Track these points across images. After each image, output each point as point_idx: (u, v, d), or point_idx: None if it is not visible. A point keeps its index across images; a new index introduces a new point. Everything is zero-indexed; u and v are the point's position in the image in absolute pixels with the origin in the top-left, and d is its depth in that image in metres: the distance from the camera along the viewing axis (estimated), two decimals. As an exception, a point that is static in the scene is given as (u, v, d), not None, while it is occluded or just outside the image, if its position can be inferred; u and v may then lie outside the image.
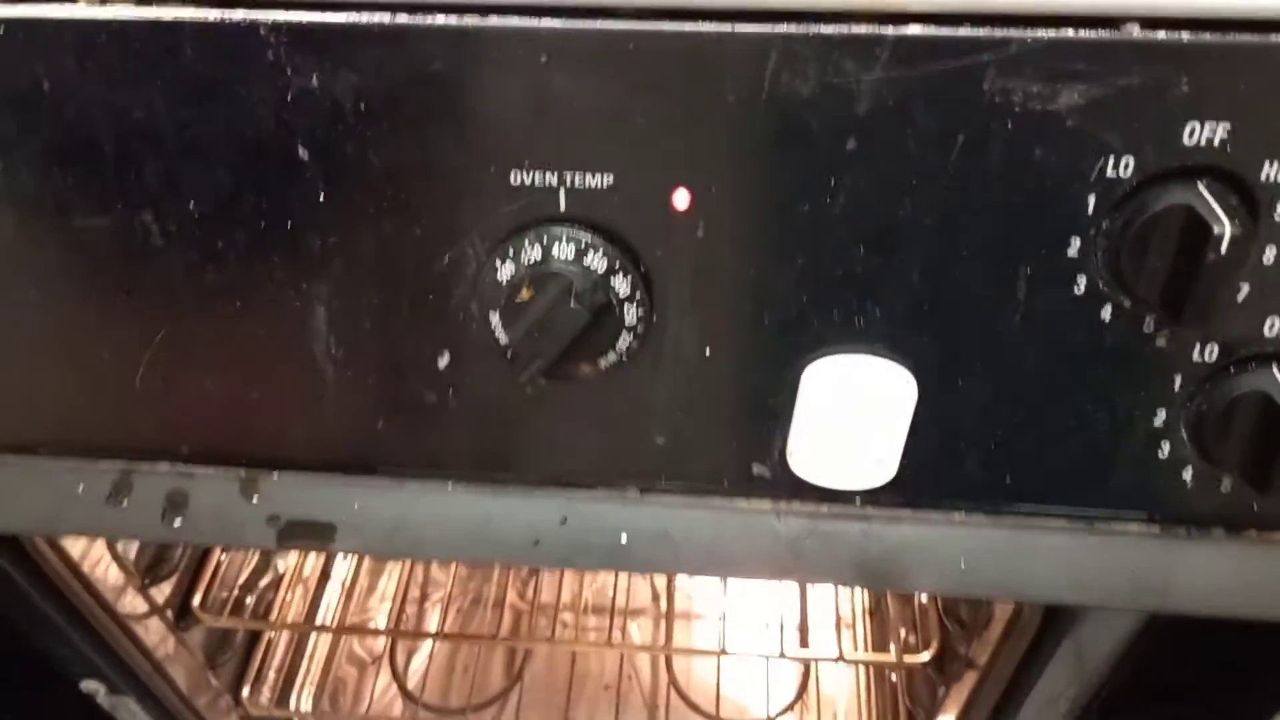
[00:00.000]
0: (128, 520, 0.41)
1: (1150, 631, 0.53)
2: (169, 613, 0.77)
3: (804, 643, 0.91)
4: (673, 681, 0.94)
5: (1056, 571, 0.39)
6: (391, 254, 0.35)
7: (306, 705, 0.92)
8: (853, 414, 0.36)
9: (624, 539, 0.40)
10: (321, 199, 0.35)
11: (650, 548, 0.40)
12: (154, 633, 0.76)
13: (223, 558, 0.83)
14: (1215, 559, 0.38)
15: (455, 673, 0.98)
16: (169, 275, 0.37)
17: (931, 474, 0.38)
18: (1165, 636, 0.54)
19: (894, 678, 0.87)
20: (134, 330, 0.38)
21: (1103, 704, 0.60)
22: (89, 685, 0.76)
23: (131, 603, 0.74)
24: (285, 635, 0.95)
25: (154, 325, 0.38)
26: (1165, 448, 0.36)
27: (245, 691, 0.87)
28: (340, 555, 1.04)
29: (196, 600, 0.78)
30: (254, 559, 0.89)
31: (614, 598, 1.01)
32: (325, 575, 1.02)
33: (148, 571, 0.74)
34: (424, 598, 1.02)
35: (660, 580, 1.02)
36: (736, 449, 0.38)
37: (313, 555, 0.98)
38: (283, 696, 0.91)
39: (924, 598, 0.76)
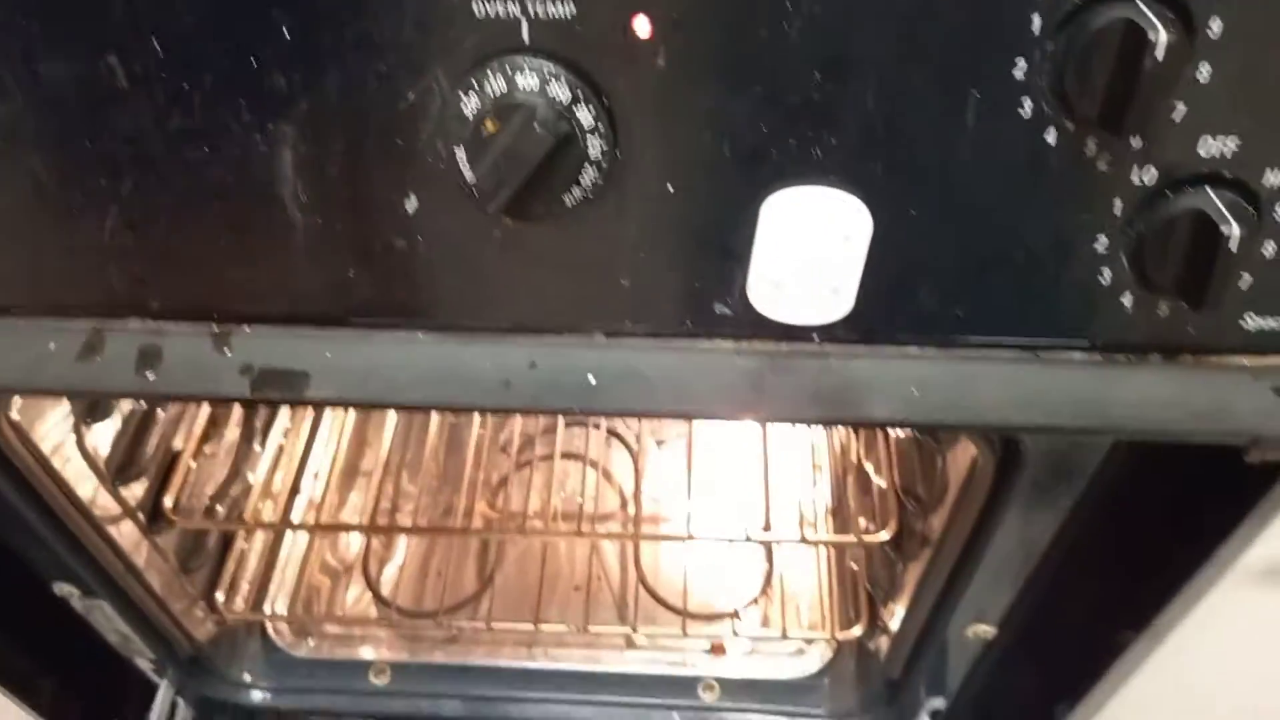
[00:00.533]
0: (100, 376, 0.41)
1: (1096, 487, 0.56)
2: (140, 515, 0.78)
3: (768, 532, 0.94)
4: (641, 579, 0.97)
5: (1003, 397, 0.41)
6: (356, 92, 0.36)
7: (281, 610, 0.93)
8: (810, 246, 0.37)
9: (592, 380, 0.41)
10: (287, 36, 0.35)
11: (617, 388, 0.41)
12: (127, 537, 0.77)
13: (192, 463, 0.83)
14: (1153, 383, 0.40)
15: (428, 579, 1.00)
16: (135, 122, 0.37)
17: (885, 308, 0.39)
18: (1111, 493, 0.57)
19: (854, 565, 0.90)
20: (101, 182, 0.38)
21: (1054, 563, 0.64)
22: (62, 589, 0.76)
23: (103, 505, 0.74)
24: (259, 544, 0.96)
25: (121, 176, 0.38)
26: (1106, 274, 0.38)
27: (220, 597, 0.88)
28: (310, 474, 1.05)
29: (168, 502, 0.78)
30: (225, 465, 0.90)
31: (582, 505, 1.03)
32: (296, 489, 1.03)
33: (118, 473, 0.74)
34: (395, 510, 1.04)
35: (628, 483, 1.05)
36: (699, 288, 0.39)
37: (281, 470, 0.98)
38: (257, 602, 0.93)
39: (882, 482, 0.79)
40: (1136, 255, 0.37)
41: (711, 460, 1.01)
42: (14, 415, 0.60)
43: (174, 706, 0.91)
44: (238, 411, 0.91)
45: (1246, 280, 0.37)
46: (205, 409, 0.83)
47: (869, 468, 0.84)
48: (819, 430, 1.04)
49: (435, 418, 1.05)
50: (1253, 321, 0.38)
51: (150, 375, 0.41)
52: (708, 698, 0.90)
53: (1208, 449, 0.46)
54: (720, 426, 1.08)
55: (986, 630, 0.71)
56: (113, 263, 0.40)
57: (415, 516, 1.01)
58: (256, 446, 0.96)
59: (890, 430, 0.74)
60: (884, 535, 0.76)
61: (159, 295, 0.41)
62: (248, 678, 0.93)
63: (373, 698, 0.92)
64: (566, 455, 1.08)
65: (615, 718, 0.90)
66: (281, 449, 0.99)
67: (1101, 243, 0.37)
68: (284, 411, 0.99)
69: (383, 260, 0.39)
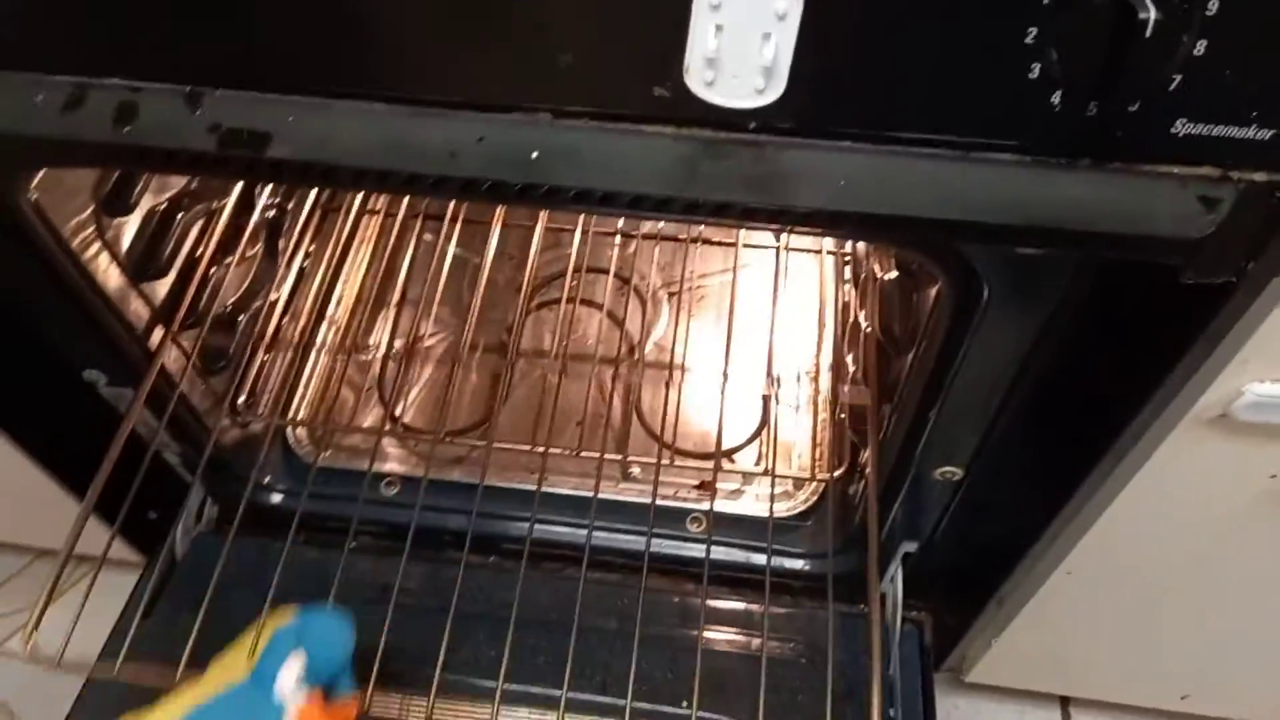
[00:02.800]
0: (82, 127, 0.44)
1: (1052, 321, 0.57)
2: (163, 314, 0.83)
3: (769, 382, 0.97)
4: (639, 415, 1.01)
5: (929, 194, 0.41)
6: None
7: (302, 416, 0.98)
8: (745, 22, 0.38)
9: (534, 155, 0.43)
10: None
11: (558, 164, 0.43)
12: (151, 333, 0.82)
13: (213, 271, 0.88)
14: (1079, 184, 0.40)
15: (441, 408, 1.04)
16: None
17: (817, 97, 0.40)
18: (1067, 327, 0.57)
19: (841, 414, 0.92)
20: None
21: (1016, 401, 0.65)
22: (90, 374, 0.82)
23: (126, 299, 0.79)
24: (281, 357, 1.01)
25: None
26: (1035, 69, 0.38)
27: (241, 400, 0.94)
28: (334, 300, 1.10)
29: (187, 303, 0.83)
30: (247, 278, 0.95)
31: (592, 346, 1.07)
32: (320, 314, 1.08)
33: (138, 268, 0.79)
34: (414, 338, 1.08)
35: (638, 332, 1.07)
36: (638, 68, 0.41)
37: (304, 291, 1.03)
38: (278, 411, 0.98)
39: (867, 326, 0.80)
40: (1067, 47, 0.37)
41: (722, 314, 1.03)
42: (33, 197, 0.65)
43: (203, 504, 0.98)
44: (258, 228, 0.95)
45: (1177, 81, 0.37)
46: (223, 220, 0.87)
47: (860, 317, 0.85)
48: (828, 291, 1.05)
49: (451, 254, 1.08)
50: (1182, 127, 0.38)
51: (127, 129, 0.44)
52: (694, 529, 0.94)
53: (1154, 276, 0.47)
54: (736, 285, 1.09)
55: (953, 471, 0.73)
56: (93, 21, 0.43)
57: (430, 345, 1.05)
58: (280, 267, 1.00)
59: (875, 273, 0.75)
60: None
61: (136, 55, 0.44)
62: (268, 480, 0.99)
63: (383, 507, 0.97)
64: (582, 301, 1.11)
65: (606, 542, 0.95)
66: (304, 272, 1.03)
67: (1031, 35, 0.37)
68: (307, 236, 1.04)
69: (339, 25, 0.41)
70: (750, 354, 1.04)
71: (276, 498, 0.99)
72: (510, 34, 0.40)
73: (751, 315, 1.06)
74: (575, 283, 1.06)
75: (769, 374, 0.93)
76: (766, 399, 1.00)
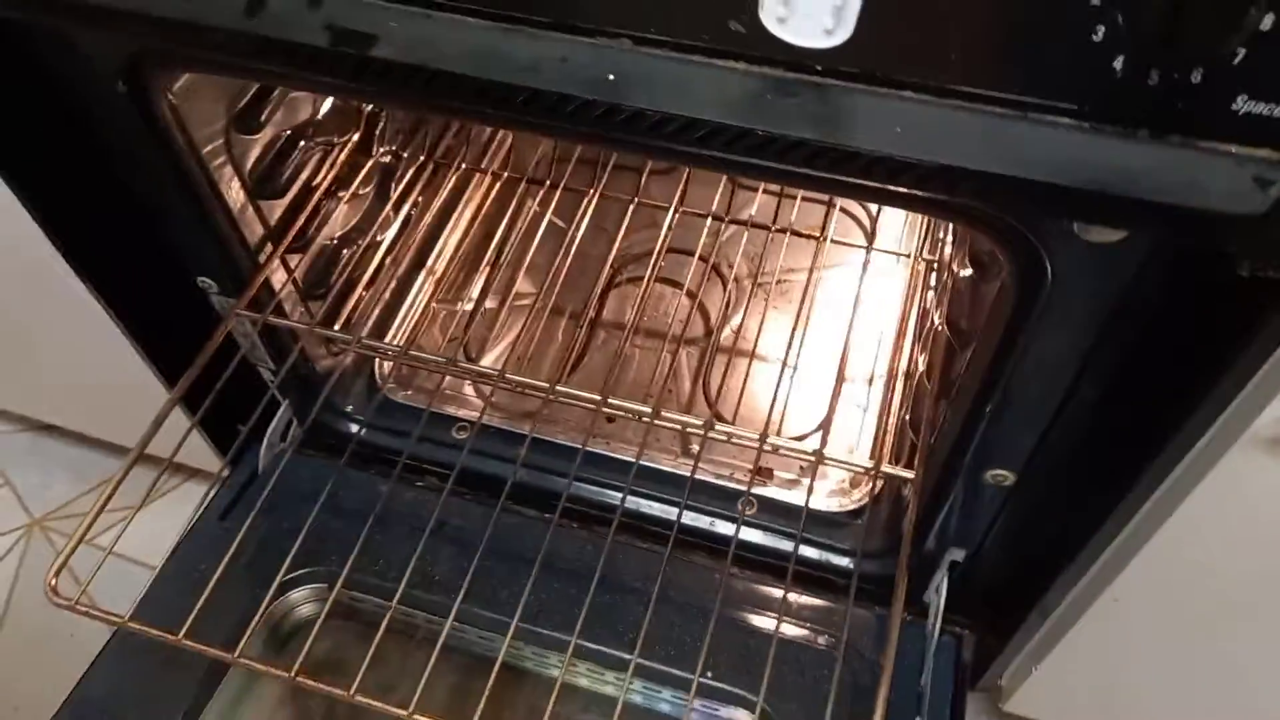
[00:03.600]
0: (215, 11, 0.49)
1: (1111, 323, 0.57)
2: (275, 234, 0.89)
3: (839, 382, 0.97)
4: (705, 394, 1.02)
5: (981, 146, 0.42)
6: None
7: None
8: (816, -35, 0.40)
9: (611, 78, 0.46)
10: None
11: (633, 86, 0.45)
12: (262, 249, 0.88)
13: (325, 202, 0.94)
14: (1134, 154, 0.41)
15: (521, 362, 1.08)
16: None
17: (881, 45, 0.42)
18: (1127, 330, 0.57)
19: (906, 416, 0.92)
20: None
21: (1072, 408, 0.64)
22: (204, 281, 0.89)
23: (247, 216, 0.85)
24: (380, 296, 1.06)
25: None
26: (1100, 31, 0.39)
27: (336, 328, 1.00)
28: (434, 251, 1.15)
29: (298, 227, 0.89)
30: (358, 212, 1.00)
31: (670, 325, 1.09)
32: (419, 262, 1.14)
33: (258, 185, 0.85)
34: (505, 296, 1.13)
35: (714, 312, 1.09)
36: (716, 2, 0.43)
37: (414, 237, 1.09)
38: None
39: (938, 320, 0.80)
40: (1129, 11, 0.38)
41: (803, 308, 1.04)
42: (174, 99, 0.71)
43: (290, 424, 1.04)
44: (373, 170, 1.01)
45: (1241, 55, 0.38)
46: (342, 157, 0.93)
47: (935, 315, 0.85)
48: (914, 296, 1.05)
49: (546, 222, 1.12)
50: (1243, 104, 0.39)
51: (254, 20, 0.49)
52: (746, 512, 0.96)
53: (1214, 274, 0.47)
54: (820, 280, 1.10)
55: (1005, 475, 0.73)
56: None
57: (519, 304, 1.10)
58: (389, 210, 1.06)
59: (954, 271, 0.75)
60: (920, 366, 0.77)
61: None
62: (351, 409, 1.04)
63: (452, 449, 1.02)
64: (664, 280, 1.14)
65: (657, 512, 0.97)
66: (410, 219, 1.09)
67: (1098, -4, 0.38)
68: (417, 186, 1.09)
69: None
70: (826, 350, 1.05)
71: (356, 427, 1.04)
72: (600, -41, 0.43)
73: (833, 312, 1.07)
74: (663, 260, 1.08)
75: (839, 371, 0.94)
76: (833, 395, 1.01)
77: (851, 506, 0.95)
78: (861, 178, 0.46)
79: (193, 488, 1.29)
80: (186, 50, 0.58)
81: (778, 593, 0.91)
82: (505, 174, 1.17)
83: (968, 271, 0.72)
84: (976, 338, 0.68)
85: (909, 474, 0.77)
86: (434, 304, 1.12)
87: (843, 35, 0.42)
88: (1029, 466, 0.71)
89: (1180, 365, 0.56)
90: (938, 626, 0.89)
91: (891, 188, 0.47)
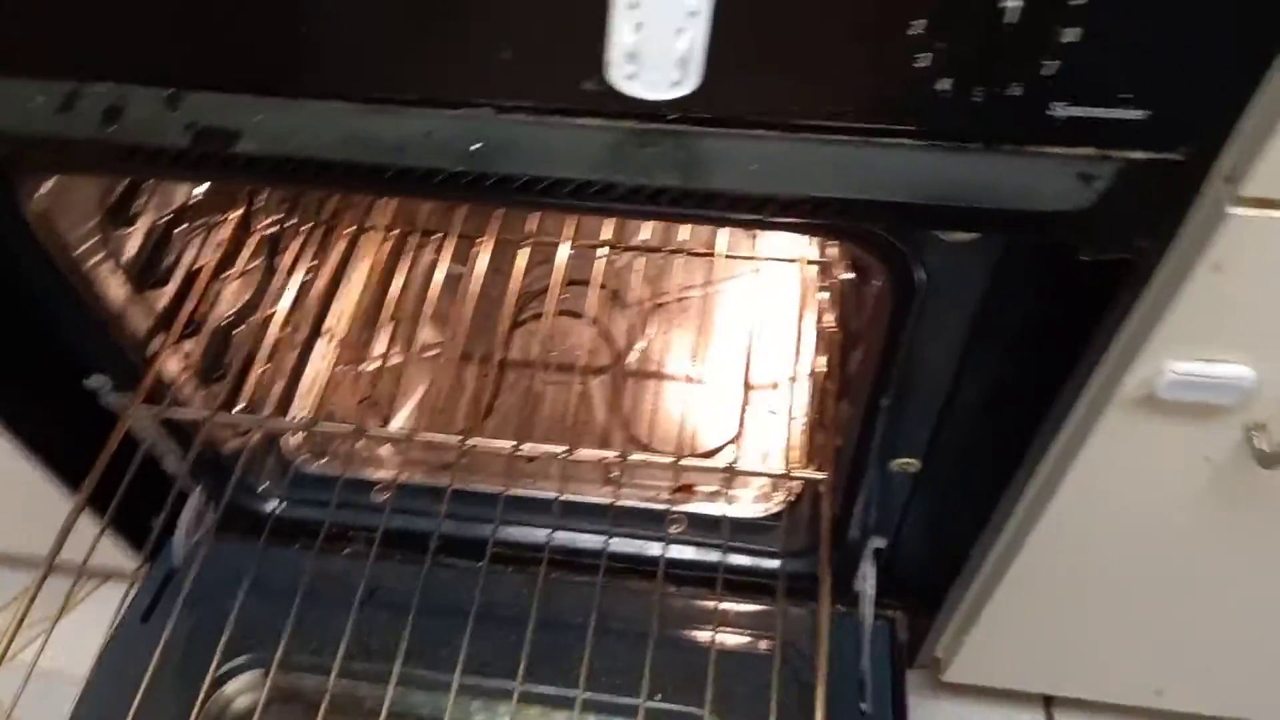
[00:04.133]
0: (74, 125, 0.49)
1: (984, 310, 0.60)
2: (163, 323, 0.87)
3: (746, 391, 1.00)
4: (623, 421, 1.04)
5: (831, 174, 0.45)
6: None
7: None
8: (658, 21, 0.42)
9: (476, 147, 0.47)
10: None
11: (498, 153, 0.47)
12: (151, 341, 0.87)
13: (213, 283, 0.93)
14: (970, 166, 0.44)
15: (433, 415, 1.08)
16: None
17: (728, 90, 0.44)
18: (999, 316, 0.61)
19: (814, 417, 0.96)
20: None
21: (959, 390, 0.68)
22: (93, 380, 0.87)
23: (132, 309, 0.84)
24: (281, 368, 1.05)
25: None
26: (924, 58, 0.42)
27: (239, 408, 0.98)
28: (331, 314, 1.14)
29: (187, 313, 0.88)
30: (248, 290, 0.99)
31: (578, 357, 1.11)
32: (317, 327, 1.13)
33: (140, 277, 0.83)
34: (407, 351, 1.12)
35: (624, 340, 1.11)
36: (569, 64, 0.45)
37: (304, 305, 1.08)
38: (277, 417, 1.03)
39: (832, 324, 0.83)
40: (948, 37, 0.41)
41: (705, 324, 1.07)
42: (43, 203, 0.70)
43: (201, 511, 1.02)
44: (258, 244, 1.00)
45: (1051, 67, 0.41)
46: (224, 235, 0.92)
47: (828, 317, 0.89)
48: (809, 298, 1.09)
49: (444, 270, 1.12)
50: (1061, 110, 0.42)
51: (112, 129, 0.48)
52: (674, 531, 0.98)
53: (1066, 260, 0.50)
54: (718, 296, 1.13)
55: (910, 463, 0.76)
56: (85, 31, 0.48)
57: (424, 357, 1.10)
58: (279, 281, 1.05)
59: (837, 274, 0.78)
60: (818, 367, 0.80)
61: (122, 61, 0.48)
62: (264, 487, 1.03)
63: (374, 512, 1.01)
64: (566, 313, 1.15)
65: (586, 543, 0.98)
66: (303, 286, 1.08)
67: (918, 26, 0.41)
68: (306, 253, 1.09)
69: (299, 31, 0.46)
70: (731, 362, 1.08)
71: (272, 504, 1.02)
72: (456, 33, 0.44)
73: (734, 325, 1.10)
74: (564, 294, 1.10)
75: (744, 380, 0.96)
76: (742, 406, 1.04)
77: (775, 509, 0.98)
78: (728, 211, 0.48)
79: (110, 590, 1.24)
80: (49, 161, 0.57)
81: (714, 605, 0.93)
82: (395, 228, 1.17)
83: (850, 275, 0.76)
84: (865, 336, 0.71)
85: (821, 475, 0.80)
86: (338, 367, 1.11)
87: (690, 85, 0.44)
88: (931, 452, 0.75)
89: (1051, 342, 0.60)
90: (870, 613, 0.92)
91: (760, 217, 0.50)
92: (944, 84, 0.42)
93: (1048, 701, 1.11)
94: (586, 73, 0.45)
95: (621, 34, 0.43)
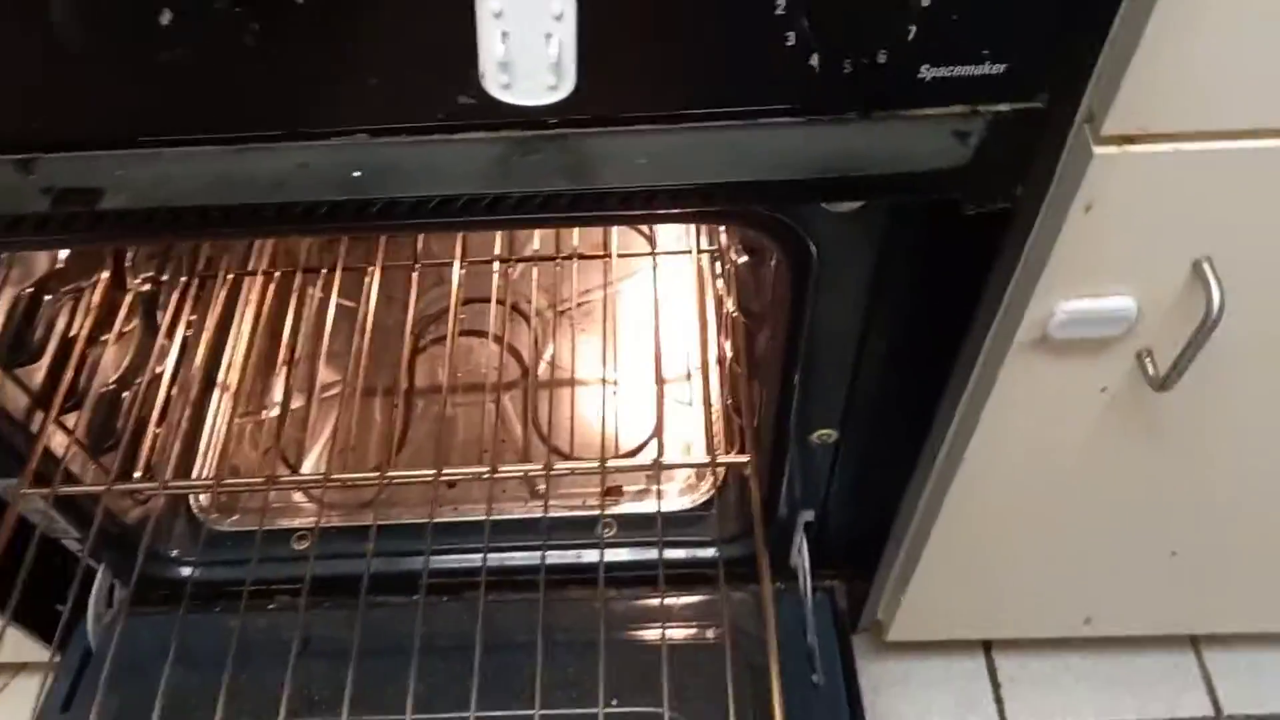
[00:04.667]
0: (-85, 203, 0.45)
1: (878, 275, 0.62)
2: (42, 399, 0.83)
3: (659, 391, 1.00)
4: (539, 433, 1.03)
5: (718, 160, 0.46)
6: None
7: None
8: (525, 28, 0.42)
9: (357, 174, 0.46)
10: None
11: (382, 178, 0.46)
12: (31, 419, 0.82)
13: (90, 351, 0.88)
14: (850, 136, 0.45)
15: (343, 453, 1.05)
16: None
17: (606, 89, 0.44)
18: (893, 280, 0.62)
19: (728, 402, 0.96)
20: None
21: (865, 357, 0.70)
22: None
23: (6, 389, 0.79)
24: (176, 429, 1.01)
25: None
26: (791, 36, 0.42)
27: (137, 475, 0.94)
28: (222, 366, 1.10)
29: (66, 385, 0.83)
30: (128, 354, 0.95)
31: (486, 375, 1.09)
32: (210, 381, 1.09)
33: (10, 355, 0.79)
34: (309, 392, 1.09)
35: (529, 353, 1.10)
36: (441, 81, 0.44)
37: (191, 359, 1.04)
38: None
39: (732, 309, 0.84)
40: (811, 14, 0.41)
41: (609, 326, 1.06)
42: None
43: (112, 587, 0.97)
44: (133, 303, 0.95)
45: (914, 32, 0.42)
46: (95, 299, 0.88)
47: (729, 303, 0.90)
48: (706, 287, 1.10)
49: (334, 305, 1.09)
50: (928, 72, 0.43)
51: (-38, 199, 0.45)
52: (606, 535, 0.97)
53: (949, 215, 0.52)
54: (617, 296, 1.13)
55: (829, 434, 0.78)
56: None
57: (327, 397, 1.07)
58: (161, 340, 1.00)
59: (734, 259, 0.79)
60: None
61: (-37, 130, 0.45)
62: (176, 553, 0.98)
63: (296, 563, 0.98)
64: (468, 333, 1.13)
65: (521, 560, 0.97)
66: (187, 341, 1.04)
67: (780, 6, 0.41)
68: (186, 306, 1.04)
69: (154, 77, 0.43)
70: (640, 359, 1.08)
71: (186, 570, 0.98)
72: (319, 63, 0.43)
73: (638, 322, 1.10)
74: (461, 314, 1.08)
75: (656, 375, 0.97)
76: (658, 401, 1.04)
77: (703, 499, 0.98)
78: (620, 210, 0.48)
79: (23, 683, 1.17)
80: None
81: (658, 602, 0.93)
82: (277, 269, 1.14)
83: (745, 258, 0.77)
84: (768, 317, 0.72)
85: (744, 459, 0.81)
86: (237, 420, 1.07)
87: (567, 88, 0.43)
88: (846, 420, 0.76)
89: (946, 297, 0.62)
90: (808, 586, 0.93)
91: (654, 211, 0.50)
92: (814, 60, 0.43)
93: (987, 646, 1.15)
94: (461, 86, 0.44)
95: (491, 44, 0.42)
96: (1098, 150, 0.51)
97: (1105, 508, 0.81)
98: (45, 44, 0.43)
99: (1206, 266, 0.57)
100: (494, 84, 0.43)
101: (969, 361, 0.65)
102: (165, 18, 0.42)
